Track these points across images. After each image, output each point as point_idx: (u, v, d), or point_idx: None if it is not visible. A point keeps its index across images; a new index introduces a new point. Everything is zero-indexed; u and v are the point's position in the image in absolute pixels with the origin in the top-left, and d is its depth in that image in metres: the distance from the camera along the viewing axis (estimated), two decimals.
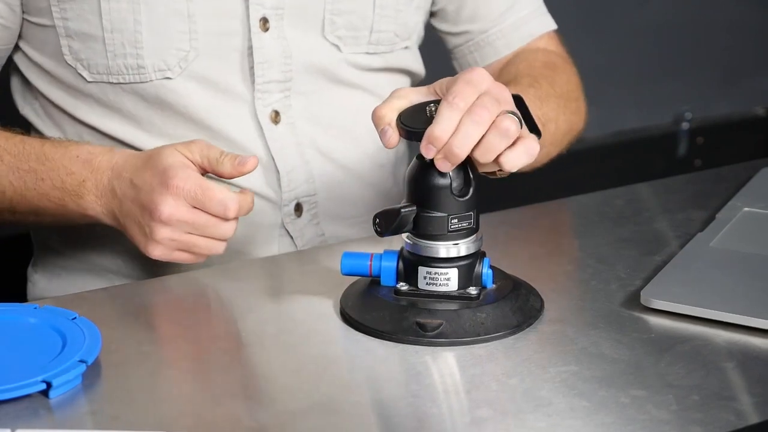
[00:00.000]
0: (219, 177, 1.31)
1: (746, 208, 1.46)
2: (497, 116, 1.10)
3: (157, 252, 1.28)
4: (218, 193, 1.26)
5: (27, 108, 1.52)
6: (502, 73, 1.58)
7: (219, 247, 1.29)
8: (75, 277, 1.51)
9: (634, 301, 1.24)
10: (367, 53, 1.51)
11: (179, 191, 1.25)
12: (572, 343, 1.17)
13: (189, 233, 1.27)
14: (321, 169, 1.50)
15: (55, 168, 1.34)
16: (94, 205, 1.32)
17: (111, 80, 1.43)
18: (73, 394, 1.07)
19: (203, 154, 1.29)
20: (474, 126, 1.09)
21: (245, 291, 1.29)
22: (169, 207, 1.25)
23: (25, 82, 1.50)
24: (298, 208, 1.49)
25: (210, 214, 1.26)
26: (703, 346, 1.16)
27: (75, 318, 1.17)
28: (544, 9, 1.64)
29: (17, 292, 1.60)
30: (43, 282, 1.56)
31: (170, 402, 1.08)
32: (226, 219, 1.27)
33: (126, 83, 1.42)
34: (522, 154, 1.13)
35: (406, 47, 1.56)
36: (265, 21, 1.44)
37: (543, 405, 1.06)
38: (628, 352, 1.15)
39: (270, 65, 1.45)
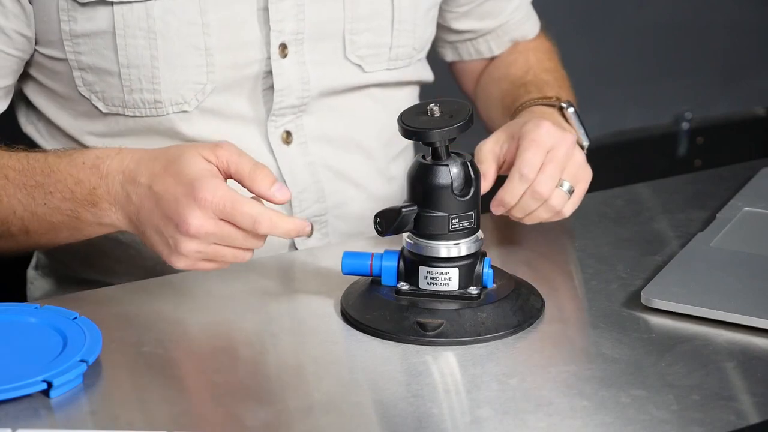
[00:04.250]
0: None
1: (746, 208, 1.46)
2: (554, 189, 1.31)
3: (181, 264, 1.21)
4: (248, 207, 1.17)
5: (30, 127, 1.49)
6: (504, 63, 1.62)
7: (245, 256, 1.21)
8: (75, 279, 1.51)
9: (634, 300, 1.24)
10: (387, 69, 1.50)
11: (207, 204, 1.17)
12: (572, 343, 1.17)
13: (215, 244, 1.20)
14: (332, 187, 1.48)
15: (62, 179, 1.27)
16: (109, 213, 1.25)
17: (126, 113, 1.40)
18: (74, 394, 1.07)
19: (232, 161, 1.21)
20: (533, 202, 1.31)
21: (245, 291, 1.29)
22: (197, 220, 1.17)
23: (30, 105, 1.47)
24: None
25: (239, 227, 1.19)
26: (703, 346, 1.16)
27: (76, 318, 1.17)
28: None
29: (17, 292, 1.60)
30: (42, 283, 1.56)
31: (170, 402, 1.08)
32: (255, 234, 1.19)
33: (141, 116, 1.40)
34: (543, 212, 1.33)
35: (420, 59, 1.55)
36: (284, 47, 1.42)
37: (543, 405, 1.06)
38: (628, 351, 1.15)
39: (289, 91, 1.43)
